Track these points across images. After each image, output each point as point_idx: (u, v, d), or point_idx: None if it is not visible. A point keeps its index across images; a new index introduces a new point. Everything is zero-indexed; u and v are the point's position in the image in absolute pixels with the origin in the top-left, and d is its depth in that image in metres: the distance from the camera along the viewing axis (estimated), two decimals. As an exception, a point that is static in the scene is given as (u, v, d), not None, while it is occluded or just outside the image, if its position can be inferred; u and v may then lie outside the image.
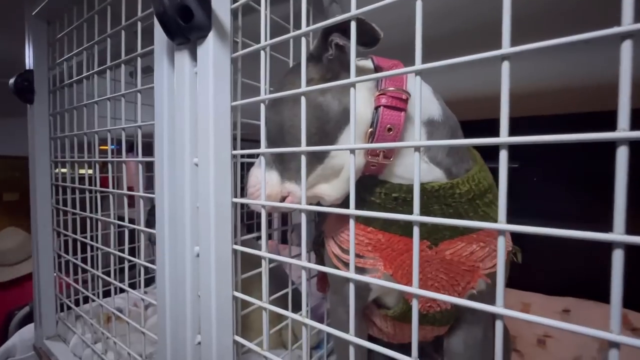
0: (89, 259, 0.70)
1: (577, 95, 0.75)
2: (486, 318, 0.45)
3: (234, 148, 0.39)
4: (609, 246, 0.18)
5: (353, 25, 0.27)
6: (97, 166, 0.62)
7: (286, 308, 0.42)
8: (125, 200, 0.53)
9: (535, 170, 1.03)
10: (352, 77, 0.27)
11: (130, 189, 0.45)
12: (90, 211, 0.64)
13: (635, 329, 0.74)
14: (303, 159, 0.31)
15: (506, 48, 0.20)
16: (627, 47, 0.17)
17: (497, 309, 0.21)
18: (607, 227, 0.18)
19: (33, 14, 0.72)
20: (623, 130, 0.17)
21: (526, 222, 0.20)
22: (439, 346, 0.52)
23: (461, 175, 0.40)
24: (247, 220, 0.97)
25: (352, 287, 0.28)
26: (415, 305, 0.25)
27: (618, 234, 0.17)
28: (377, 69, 0.38)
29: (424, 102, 0.38)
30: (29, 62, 0.74)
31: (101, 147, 0.63)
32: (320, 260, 0.56)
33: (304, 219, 0.31)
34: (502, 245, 0.22)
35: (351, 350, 0.29)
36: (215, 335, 0.37)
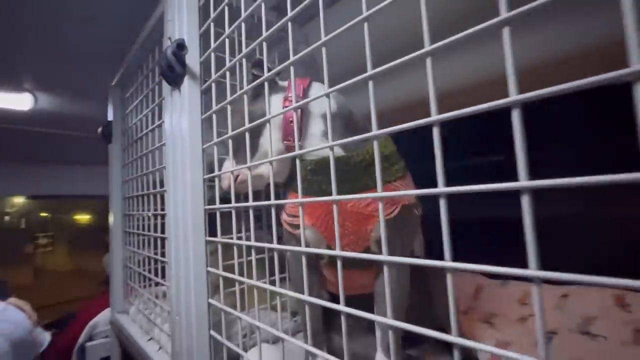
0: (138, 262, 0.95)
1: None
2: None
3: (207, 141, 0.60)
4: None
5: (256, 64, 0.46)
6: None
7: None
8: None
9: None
10: (265, 94, 0.46)
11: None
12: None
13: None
14: (230, 142, 0.50)
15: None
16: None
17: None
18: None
19: (112, 84, 1.07)
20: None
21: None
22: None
23: (360, 149, 0.54)
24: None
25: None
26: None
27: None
28: (289, 85, 0.56)
29: (319, 101, 0.55)
30: (110, 116, 1.09)
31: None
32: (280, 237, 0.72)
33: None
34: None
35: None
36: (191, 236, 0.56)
